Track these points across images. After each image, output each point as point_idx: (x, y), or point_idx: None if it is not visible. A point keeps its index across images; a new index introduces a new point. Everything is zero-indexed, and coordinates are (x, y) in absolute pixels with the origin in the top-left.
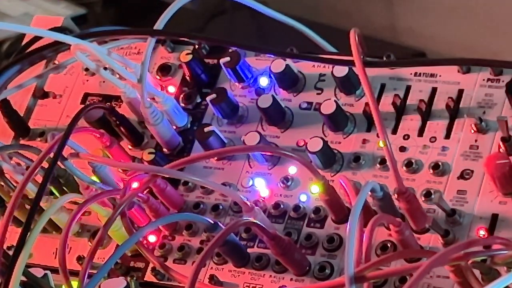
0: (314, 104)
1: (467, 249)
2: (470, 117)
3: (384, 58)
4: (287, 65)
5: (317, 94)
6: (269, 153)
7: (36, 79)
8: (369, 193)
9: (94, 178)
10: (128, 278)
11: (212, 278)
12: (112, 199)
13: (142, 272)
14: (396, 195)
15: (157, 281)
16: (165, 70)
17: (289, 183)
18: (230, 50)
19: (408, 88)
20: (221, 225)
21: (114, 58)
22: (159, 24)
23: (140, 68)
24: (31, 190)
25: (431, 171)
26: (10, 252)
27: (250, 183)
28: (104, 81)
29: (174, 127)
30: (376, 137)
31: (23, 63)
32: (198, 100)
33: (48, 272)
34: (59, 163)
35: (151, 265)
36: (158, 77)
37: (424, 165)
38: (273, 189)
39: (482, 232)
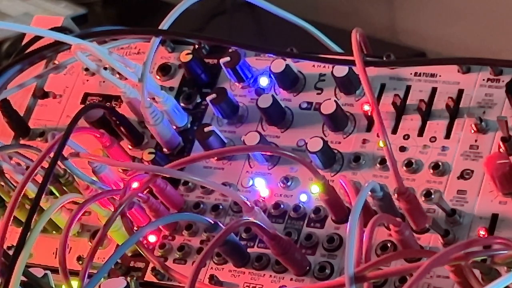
0: (314, 104)
1: (467, 249)
2: (470, 117)
3: (384, 58)
4: (287, 65)
5: (317, 94)
6: (269, 153)
7: (36, 79)
8: (369, 193)
9: (94, 178)
10: (128, 278)
11: (212, 278)
12: (112, 199)
13: (142, 272)
14: (396, 195)
15: (157, 281)
16: (165, 70)
17: (289, 183)
18: (230, 50)
19: (408, 88)
20: (221, 225)
21: (114, 58)
22: (165, 24)
23: (142, 68)
24: (31, 190)
25: (431, 171)
26: (10, 252)
27: (250, 183)
28: (104, 81)
29: (174, 127)
30: (376, 137)
31: (23, 63)
32: (198, 100)
33: (48, 272)
34: (59, 163)
35: (151, 265)
36: (158, 77)
37: (424, 165)
38: (273, 189)
39: (482, 232)
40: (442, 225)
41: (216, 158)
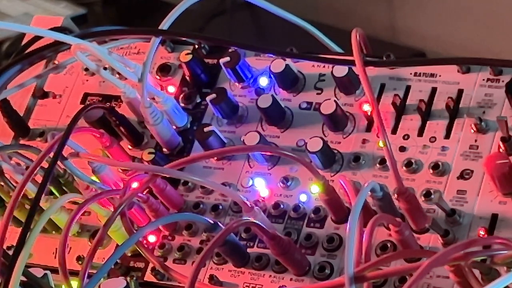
0: (314, 104)
1: (466, 249)
2: (470, 117)
3: (384, 58)
4: (287, 65)
5: (317, 94)
6: (269, 153)
7: (36, 79)
8: (369, 193)
9: (94, 178)
10: (128, 278)
11: (212, 278)
12: (112, 199)
13: (142, 272)
14: (396, 195)
15: (157, 281)
16: (165, 70)
17: (289, 183)
18: (230, 50)
19: (408, 88)
20: (221, 225)
21: (114, 58)
22: (165, 24)
23: (142, 68)
24: (31, 190)
25: (431, 171)
26: (10, 252)
27: (250, 183)
28: (104, 81)
29: (174, 127)
30: (376, 137)
31: (23, 63)
32: (198, 100)
33: (48, 272)
34: (59, 163)
35: (151, 265)
36: (158, 77)
37: (424, 165)
38: (273, 189)
39: (482, 232)
40: (442, 225)
41: (216, 158)
